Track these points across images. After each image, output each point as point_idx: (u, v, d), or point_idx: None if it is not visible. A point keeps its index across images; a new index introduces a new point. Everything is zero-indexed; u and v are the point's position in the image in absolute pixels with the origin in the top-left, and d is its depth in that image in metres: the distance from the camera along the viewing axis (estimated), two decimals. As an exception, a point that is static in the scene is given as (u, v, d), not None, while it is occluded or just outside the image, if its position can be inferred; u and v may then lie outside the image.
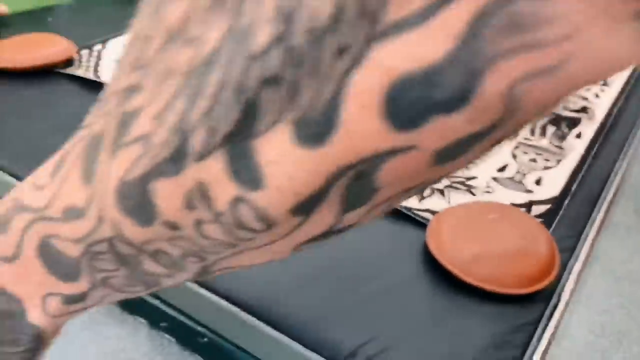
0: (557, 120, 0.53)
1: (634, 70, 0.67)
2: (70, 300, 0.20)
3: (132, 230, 0.16)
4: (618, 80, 0.63)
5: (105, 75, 0.54)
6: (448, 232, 0.35)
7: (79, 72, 0.54)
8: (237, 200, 0.14)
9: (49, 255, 0.19)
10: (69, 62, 0.55)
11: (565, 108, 0.56)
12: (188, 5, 0.14)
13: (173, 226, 0.15)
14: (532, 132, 0.50)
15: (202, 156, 0.14)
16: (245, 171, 0.13)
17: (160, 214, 0.15)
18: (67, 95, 0.51)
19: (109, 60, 0.57)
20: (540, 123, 0.52)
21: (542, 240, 0.35)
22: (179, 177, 0.14)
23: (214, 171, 0.14)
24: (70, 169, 0.17)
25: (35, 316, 0.21)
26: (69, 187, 0.17)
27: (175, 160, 0.14)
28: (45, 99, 0.50)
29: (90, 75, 0.53)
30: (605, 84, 0.62)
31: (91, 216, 0.17)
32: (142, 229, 0.16)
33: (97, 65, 0.56)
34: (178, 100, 0.14)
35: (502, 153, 0.47)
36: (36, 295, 0.21)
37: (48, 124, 0.47)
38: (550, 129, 0.51)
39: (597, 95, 0.59)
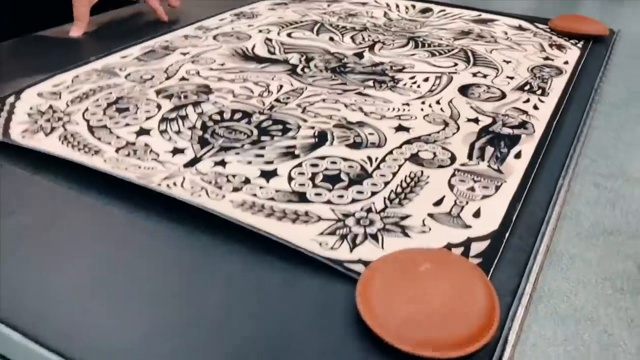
0: (495, 140, 0.51)
1: (572, 77, 0.66)
2: None
3: None
4: (556, 89, 0.62)
5: (16, 132, 0.50)
6: (379, 290, 0.32)
7: (-18, 130, 0.50)
8: None
9: None
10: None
11: (504, 124, 0.54)
12: None
13: None
14: (470, 156, 0.48)
15: None
16: None
17: None
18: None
19: (22, 114, 0.53)
20: (478, 144, 0.50)
21: (481, 290, 0.32)
22: None
23: None
24: None
25: None
26: None
27: None
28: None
29: (-6, 132, 0.49)
30: (543, 94, 0.61)
31: None
32: None
33: (8, 122, 0.52)
34: None
35: (438, 183, 0.44)
36: None
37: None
38: (489, 151, 0.49)
39: (535, 107, 0.58)
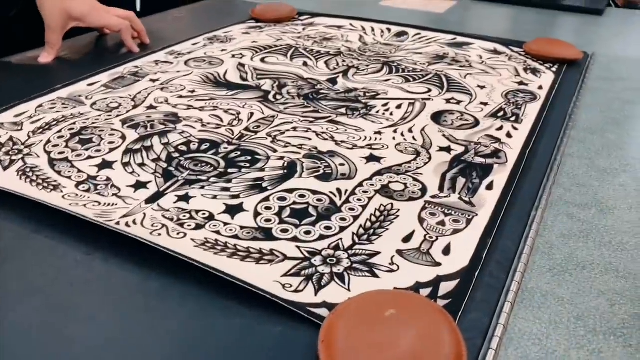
0: (467, 170, 0.50)
1: (546, 103, 0.65)
2: None
3: None
4: (530, 115, 0.62)
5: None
6: (343, 336, 0.31)
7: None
8: None
9: None
10: None
11: (477, 153, 0.53)
12: None
13: None
14: (441, 188, 0.47)
15: None
16: None
17: None
18: None
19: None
20: (450, 175, 0.49)
21: (448, 336, 0.31)
22: None
23: None
24: None
25: None
26: None
27: None
28: None
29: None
30: (517, 121, 0.60)
31: None
32: None
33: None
34: None
35: (408, 217, 0.43)
36: None
37: None
38: (461, 182, 0.48)
39: (509, 135, 0.57)
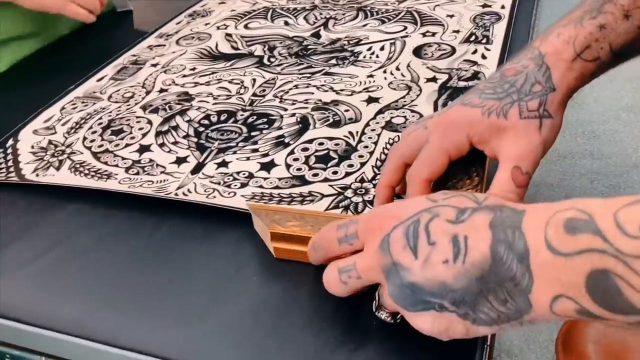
0: (454, 94, 0.58)
1: (510, 21, 0.72)
2: (583, 313, 0.26)
3: None
4: (499, 35, 0.69)
5: (29, 171, 0.54)
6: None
7: (0, 177, 0.54)
8: None
9: (597, 281, 0.25)
10: (-18, 169, 0.55)
11: (459, 78, 0.61)
12: None
13: None
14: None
15: None
16: None
17: None
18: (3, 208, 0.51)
19: (26, 153, 0.57)
20: (441, 101, 0.57)
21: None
22: None
23: None
24: None
25: (538, 301, 0.27)
26: None
27: None
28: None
29: (13, 178, 0.54)
30: (488, 42, 0.67)
31: None
32: None
33: (17, 163, 0.56)
34: None
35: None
36: (551, 289, 0.26)
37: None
38: (451, 106, 0.56)
39: (483, 56, 0.65)
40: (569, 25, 0.41)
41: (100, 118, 0.62)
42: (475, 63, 0.63)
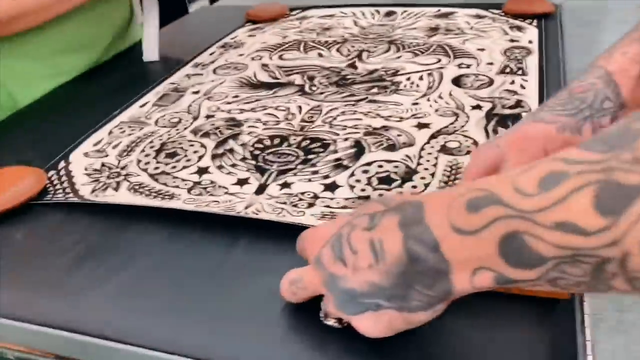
0: (502, 120, 0.60)
1: (542, 54, 0.75)
2: (503, 281, 0.27)
3: None
4: (532, 67, 0.72)
5: (87, 192, 0.54)
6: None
7: (59, 197, 0.54)
8: None
9: (509, 244, 0.26)
10: (42, 191, 0.55)
11: (503, 106, 0.63)
12: None
13: None
14: (488, 138, 0.57)
15: None
16: None
17: None
18: (58, 227, 0.51)
19: (81, 175, 0.58)
20: (491, 127, 0.59)
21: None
22: None
23: None
24: (575, 195, 0.24)
25: (459, 280, 0.29)
26: (571, 208, 0.24)
27: None
28: (39, 235, 0.50)
29: (73, 198, 0.54)
30: (523, 74, 0.70)
31: (603, 238, 0.23)
32: None
33: (72, 184, 0.56)
34: None
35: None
36: (468, 266, 0.28)
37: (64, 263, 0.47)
38: (502, 131, 0.58)
39: (522, 87, 0.67)
40: (634, 44, 0.43)
41: (152, 142, 0.63)
42: (515, 92, 0.66)
